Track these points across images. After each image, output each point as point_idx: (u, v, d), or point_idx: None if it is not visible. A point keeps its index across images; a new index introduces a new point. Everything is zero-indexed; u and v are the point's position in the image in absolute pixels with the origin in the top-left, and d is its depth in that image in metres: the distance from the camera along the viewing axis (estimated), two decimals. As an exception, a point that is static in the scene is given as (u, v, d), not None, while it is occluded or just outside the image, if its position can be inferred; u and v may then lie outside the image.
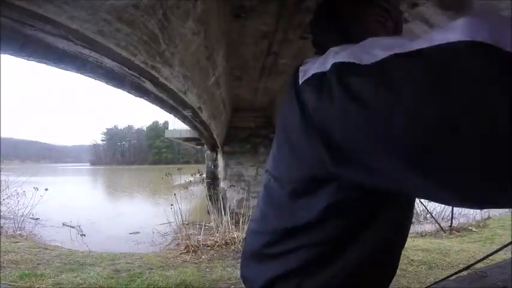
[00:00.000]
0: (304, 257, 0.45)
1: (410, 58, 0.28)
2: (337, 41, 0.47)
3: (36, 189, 5.60)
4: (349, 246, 0.43)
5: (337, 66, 0.35)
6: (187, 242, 3.92)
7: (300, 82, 0.42)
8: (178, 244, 4.45)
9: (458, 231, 4.82)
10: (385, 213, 0.44)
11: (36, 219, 5.90)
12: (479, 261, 1.03)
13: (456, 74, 0.25)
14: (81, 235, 5.28)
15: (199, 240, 4.03)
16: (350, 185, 0.39)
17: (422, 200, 3.79)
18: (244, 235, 4.11)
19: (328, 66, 0.36)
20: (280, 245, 0.48)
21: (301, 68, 0.43)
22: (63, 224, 6.18)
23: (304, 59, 0.47)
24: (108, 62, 1.63)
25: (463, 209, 5.91)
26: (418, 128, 0.28)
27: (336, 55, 0.36)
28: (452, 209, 5.09)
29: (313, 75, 0.39)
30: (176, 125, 9.68)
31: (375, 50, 0.32)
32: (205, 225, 4.70)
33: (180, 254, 3.73)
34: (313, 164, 0.41)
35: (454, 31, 0.26)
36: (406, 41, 0.30)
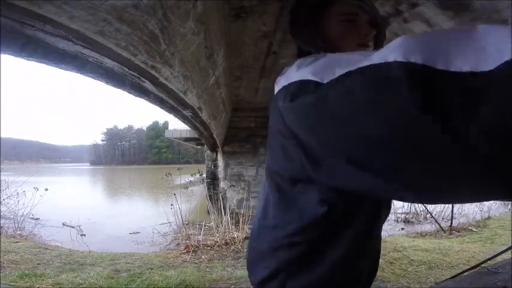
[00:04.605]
0: (286, 257, 0.47)
1: (355, 76, 0.31)
2: (303, 43, 0.53)
3: (36, 189, 5.60)
4: (329, 245, 0.45)
5: (300, 83, 0.39)
6: (187, 242, 3.93)
7: (275, 92, 0.45)
8: (178, 244, 4.45)
9: (458, 231, 4.82)
10: (362, 211, 0.46)
11: (36, 219, 5.89)
12: (486, 260, 1.03)
13: (387, 93, 0.28)
14: (81, 235, 5.27)
15: (199, 240, 4.03)
16: (327, 187, 0.42)
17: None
18: (244, 235, 4.11)
19: (291, 81, 0.40)
20: (266, 243, 0.50)
21: (278, 78, 0.46)
22: (63, 224, 6.17)
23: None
24: (108, 62, 1.62)
25: (464, 209, 5.92)
26: (351, 141, 0.33)
27: (300, 70, 0.40)
28: (452, 209, 5.09)
29: (283, 87, 0.43)
30: (176, 125, 9.68)
31: (335, 68, 0.34)
32: (205, 225, 4.70)
33: (180, 254, 3.73)
34: (298, 167, 0.43)
35: (391, 51, 0.28)
36: (362, 58, 0.32)
